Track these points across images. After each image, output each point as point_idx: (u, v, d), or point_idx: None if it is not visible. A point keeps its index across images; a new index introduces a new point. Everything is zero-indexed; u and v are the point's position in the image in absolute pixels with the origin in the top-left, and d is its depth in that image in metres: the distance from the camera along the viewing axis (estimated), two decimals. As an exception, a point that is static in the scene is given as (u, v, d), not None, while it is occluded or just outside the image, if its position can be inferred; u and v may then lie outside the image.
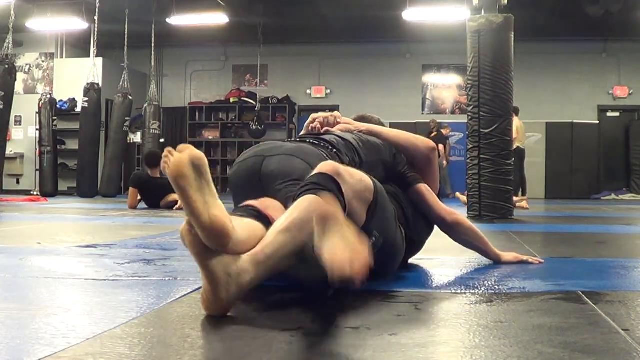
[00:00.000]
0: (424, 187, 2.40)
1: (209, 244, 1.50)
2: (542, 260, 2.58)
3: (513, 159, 6.56)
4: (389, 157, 2.38)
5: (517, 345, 1.26)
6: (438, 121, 13.78)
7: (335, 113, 2.58)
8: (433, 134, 13.02)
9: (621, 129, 14.78)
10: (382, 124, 2.69)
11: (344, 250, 1.43)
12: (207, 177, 1.53)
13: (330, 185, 1.68)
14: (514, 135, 7.71)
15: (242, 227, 1.63)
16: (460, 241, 2.48)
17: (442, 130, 13.40)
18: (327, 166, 1.76)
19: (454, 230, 2.43)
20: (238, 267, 1.52)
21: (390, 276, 2.13)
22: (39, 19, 12.30)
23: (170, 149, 1.55)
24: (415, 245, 2.38)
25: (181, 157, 1.50)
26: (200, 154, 1.54)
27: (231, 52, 15.94)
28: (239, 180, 2.09)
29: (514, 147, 7.95)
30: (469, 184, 6.30)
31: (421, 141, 2.53)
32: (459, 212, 2.47)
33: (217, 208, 1.51)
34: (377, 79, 15.03)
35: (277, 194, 1.95)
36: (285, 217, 1.64)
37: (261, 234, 1.66)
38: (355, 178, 1.82)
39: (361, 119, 2.66)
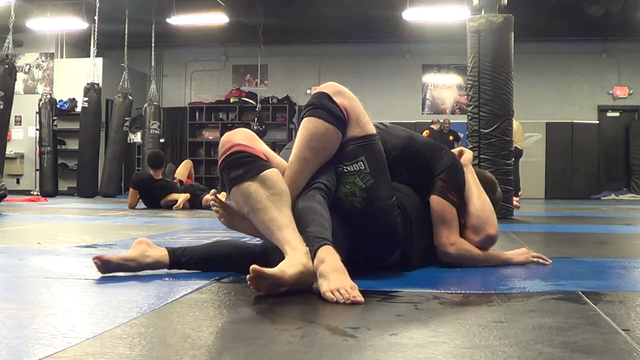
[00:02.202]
0: (441, 203, 2.33)
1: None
2: (550, 262, 2.55)
3: (513, 159, 6.56)
4: (433, 167, 2.38)
5: (517, 345, 1.26)
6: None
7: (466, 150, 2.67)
8: (452, 137, 13.06)
9: (621, 129, 14.77)
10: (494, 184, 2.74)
11: None
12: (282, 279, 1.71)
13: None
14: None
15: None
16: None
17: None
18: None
19: (449, 262, 2.36)
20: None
21: (377, 255, 2.16)
22: (39, 19, 12.29)
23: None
24: (407, 259, 2.28)
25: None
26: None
27: (231, 52, 15.94)
28: None
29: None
30: (469, 184, 6.29)
31: (489, 224, 2.45)
32: (462, 244, 2.37)
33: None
34: (377, 79, 15.03)
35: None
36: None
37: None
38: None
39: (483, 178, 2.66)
